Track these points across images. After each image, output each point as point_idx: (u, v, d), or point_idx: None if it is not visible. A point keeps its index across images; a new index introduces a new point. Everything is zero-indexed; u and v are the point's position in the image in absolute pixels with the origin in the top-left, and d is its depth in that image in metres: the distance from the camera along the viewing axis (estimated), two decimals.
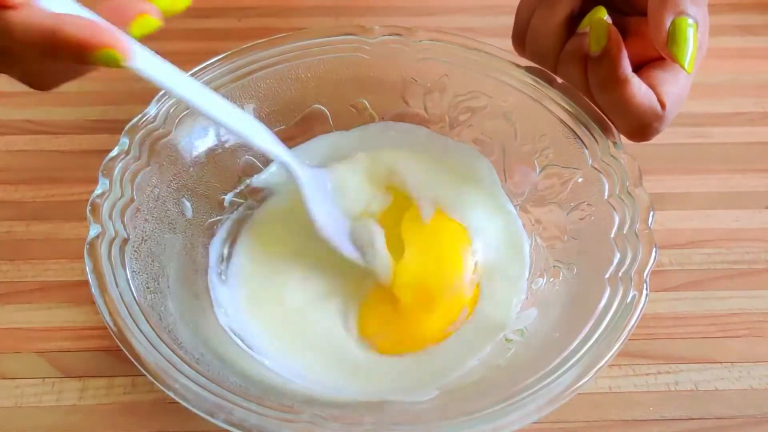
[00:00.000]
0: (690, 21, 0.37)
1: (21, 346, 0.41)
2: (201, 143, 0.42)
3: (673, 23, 0.37)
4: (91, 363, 0.41)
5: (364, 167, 0.45)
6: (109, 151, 0.38)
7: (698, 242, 0.47)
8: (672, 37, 0.37)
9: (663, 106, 0.39)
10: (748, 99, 0.56)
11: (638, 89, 0.39)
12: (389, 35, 0.45)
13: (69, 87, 0.53)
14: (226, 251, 0.43)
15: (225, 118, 0.37)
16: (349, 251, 0.42)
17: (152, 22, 0.32)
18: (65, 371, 0.40)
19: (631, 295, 0.34)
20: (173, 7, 0.34)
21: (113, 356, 0.41)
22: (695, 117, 0.54)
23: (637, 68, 0.41)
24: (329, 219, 0.42)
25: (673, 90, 0.40)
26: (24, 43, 0.30)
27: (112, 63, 0.30)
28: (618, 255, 0.36)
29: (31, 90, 0.55)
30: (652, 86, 0.40)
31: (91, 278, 0.33)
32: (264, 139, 0.39)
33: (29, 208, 0.48)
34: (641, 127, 0.40)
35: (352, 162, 0.45)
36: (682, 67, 0.37)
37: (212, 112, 0.37)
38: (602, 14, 0.40)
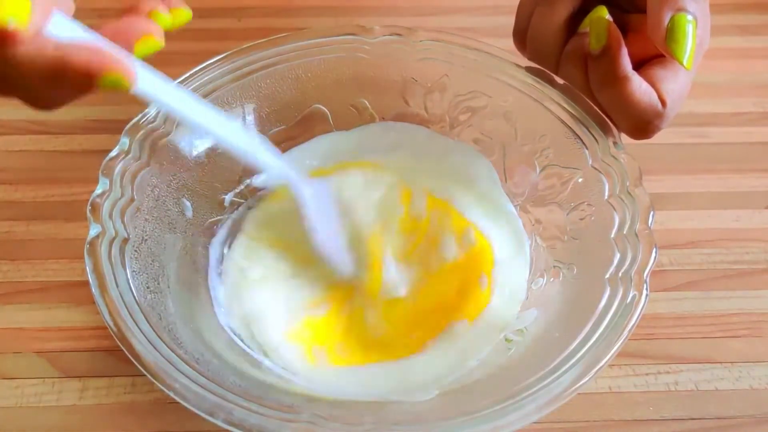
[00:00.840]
0: (689, 17, 0.37)
1: (21, 346, 0.41)
2: (201, 143, 0.42)
3: (672, 19, 0.37)
4: (91, 363, 0.41)
5: (366, 175, 0.45)
6: (109, 151, 0.38)
7: (698, 242, 0.47)
8: (671, 34, 0.37)
9: (663, 103, 0.39)
10: (748, 99, 0.56)
11: (638, 87, 0.39)
12: (389, 35, 0.45)
13: None
14: (226, 251, 0.43)
15: (229, 136, 0.37)
16: (345, 267, 0.42)
17: (155, 43, 0.32)
18: (65, 371, 0.40)
19: (631, 296, 0.34)
20: (174, 23, 0.34)
21: (113, 356, 0.41)
22: (695, 117, 0.54)
23: (638, 66, 0.40)
24: (330, 234, 0.42)
25: (673, 87, 0.40)
26: (31, 75, 0.30)
27: (119, 87, 0.30)
28: (618, 255, 0.36)
29: None
30: (652, 84, 0.40)
31: (91, 278, 0.33)
32: (269, 158, 0.39)
33: (29, 208, 0.48)
34: (642, 124, 0.40)
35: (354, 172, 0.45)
36: (681, 63, 0.37)
37: (215, 131, 0.37)
38: (603, 13, 0.40)
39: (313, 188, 0.42)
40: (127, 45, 0.31)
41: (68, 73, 0.29)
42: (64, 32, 0.30)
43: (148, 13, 0.33)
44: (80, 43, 0.30)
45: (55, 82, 0.30)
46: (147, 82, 0.32)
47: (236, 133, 0.38)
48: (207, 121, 0.36)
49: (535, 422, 0.32)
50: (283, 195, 0.45)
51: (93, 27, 0.32)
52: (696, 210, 0.49)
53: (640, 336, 0.42)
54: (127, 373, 0.40)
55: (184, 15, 0.34)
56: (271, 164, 0.39)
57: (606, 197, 0.38)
